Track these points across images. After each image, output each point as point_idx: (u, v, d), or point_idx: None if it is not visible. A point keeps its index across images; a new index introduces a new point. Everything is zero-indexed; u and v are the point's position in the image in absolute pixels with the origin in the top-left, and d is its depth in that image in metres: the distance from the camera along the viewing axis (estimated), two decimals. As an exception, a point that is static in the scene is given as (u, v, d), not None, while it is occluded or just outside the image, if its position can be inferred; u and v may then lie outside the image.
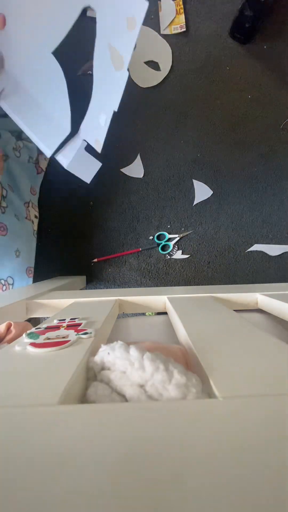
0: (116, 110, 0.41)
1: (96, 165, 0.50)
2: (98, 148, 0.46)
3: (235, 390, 0.15)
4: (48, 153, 0.51)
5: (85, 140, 0.48)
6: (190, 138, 0.82)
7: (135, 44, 0.35)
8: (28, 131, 0.52)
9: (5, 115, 0.54)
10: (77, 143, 0.49)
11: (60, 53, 0.45)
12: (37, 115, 0.51)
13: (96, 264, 0.84)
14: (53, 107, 0.49)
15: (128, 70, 0.37)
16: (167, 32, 0.79)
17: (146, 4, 0.33)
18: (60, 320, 0.30)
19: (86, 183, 0.52)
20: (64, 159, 0.51)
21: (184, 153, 0.82)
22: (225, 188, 0.82)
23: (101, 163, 0.50)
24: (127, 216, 0.83)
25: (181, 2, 0.77)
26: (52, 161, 0.78)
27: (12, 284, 0.68)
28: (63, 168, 0.51)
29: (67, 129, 0.48)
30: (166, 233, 0.82)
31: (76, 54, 0.65)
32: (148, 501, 0.09)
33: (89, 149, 0.49)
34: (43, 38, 0.45)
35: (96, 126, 0.45)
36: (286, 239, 0.82)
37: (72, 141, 0.50)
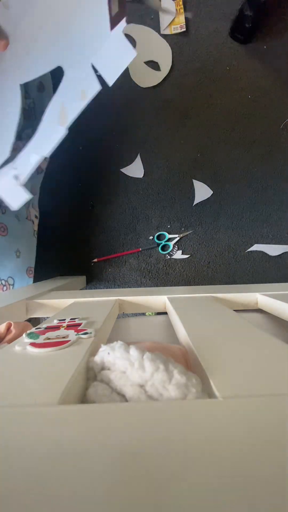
0: (47, 157, 0.47)
1: (24, 196, 0.51)
2: (17, 184, 0.49)
3: (235, 390, 0.15)
4: None
5: (15, 169, 0.51)
6: (190, 138, 0.82)
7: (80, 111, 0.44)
8: None
9: None
10: (8, 170, 0.50)
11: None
12: None
13: (96, 264, 0.84)
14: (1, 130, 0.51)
15: (67, 129, 0.45)
16: (167, 32, 0.79)
17: (99, 88, 0.42)
18: (60, 320, 0.30)
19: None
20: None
21: (184, 153, 0.82)
22: (225, 188, 0.82)
23: (32, 195, 0.51)
24: (127, 216, 0.83)
25: (181, 2, 0.77)
26: (52, 162, 0.79)
27: (13, 284, 0.68)
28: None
29: (5, 154, 0.50)
30: (166, 233, 0.82)
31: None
32: (148, 501, 0.09)
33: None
34: (19, 71, 0.48)
35: (25, 163, 0.49)
36: (286, 239, 0.82)
37: (6, 166, 0.52)
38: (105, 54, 0.41)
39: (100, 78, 0.41)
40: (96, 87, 0.42)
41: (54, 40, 0.45)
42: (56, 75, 0.52)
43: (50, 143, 0.46)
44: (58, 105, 0.45)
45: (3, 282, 0.66)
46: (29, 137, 0.56)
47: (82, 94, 0.42)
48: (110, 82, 0.42)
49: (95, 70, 0.41)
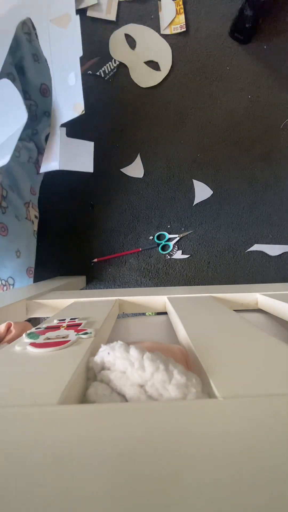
0: (81, 54, 0.41)
1: (89, 146, 0.44)
2: (79, 111, 0.42)
3: (235, 390, 0.15)
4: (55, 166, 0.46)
5: (62, 126, 0.43)
6: (190, 138, 0.82)
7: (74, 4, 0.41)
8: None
9: None
10: (55, 138, 0.44)
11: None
12: None
13: (96, 264, 0.84)
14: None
15: (78, 15, 0.40)
16: (167, 32, 0.79)
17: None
18: (60, 320, 0.30)
19: (90, 172, 0.46)
20: (53, 163, 0.45)
21: (184, 153, 0.82)
22: (225, 188, 0.82)
23: (92, 141, 0.44)
24: (127, 216, 0.83)
25: (181, 2, 0.77)
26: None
27: (13, 284, 0.68)
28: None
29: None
30: (166, 233, 0.82)
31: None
32: (148, 501, 0.09)
33: (71, 134, 0.44)
34: None
35: (67, 91, 0.43)
36: (286, 239, 0.82)
37: (48, 142, 0.45)
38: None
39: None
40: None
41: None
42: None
43: (74, 46, 0.41)
44: (46, 26, 0.42)
45: (3, 282, 0.66)
46: (29, 137, 0.54)
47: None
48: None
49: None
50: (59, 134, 0.43)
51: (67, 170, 0.48)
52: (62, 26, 0.42)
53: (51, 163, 0.45)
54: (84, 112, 0.42)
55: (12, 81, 0.58)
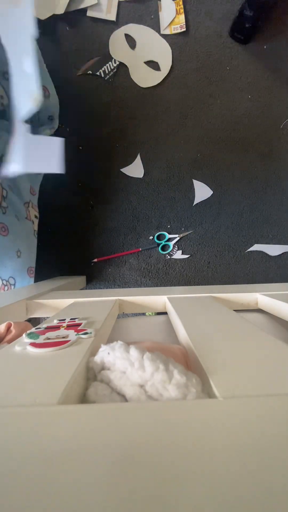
0: (34, 34, 0.36)
1: (56, 143, 0.38)
2: (35, 102, 0.37)
3: (235, 390, 0.15)
4: None
5: (25, 122, 0.38)
6: (190, 138, 0.82)
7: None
8: None
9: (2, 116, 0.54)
10: (16, 137, 0.38)
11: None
12: None
13: (96, 264, 0.84)
14: None
15: None
16: (167, 32, 0.79)
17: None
18: (60, 320, 0.30)
19: (63, 174, 0.40)
20: (14, 165, 0.39)
21: (184, 153, 0.82)
22: (225, 188, 0.82)
23: (62, 138, 0.38)
24: (127, 216, 0.83)
25: (181, 2, 0.77)
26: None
27: (14, 284, 0.68)
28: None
29: None
30: (166, 233, 0.82)
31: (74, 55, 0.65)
32: (147, 501, 0.09)
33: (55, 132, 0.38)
34: None
35: (24, 80, 0.37)
36: (286, 239, 0.82)
37: (12, 141, 0.40)
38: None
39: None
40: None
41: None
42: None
43: (26, 24, 0.36)
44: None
45: (4, 282, 0.66)
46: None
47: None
48: None
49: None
50: (20, 132, 0.38)
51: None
52: (15, 5, 0.37)
53: (12, 165, 0.39)
54: (40, 100, 0.37)
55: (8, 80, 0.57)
